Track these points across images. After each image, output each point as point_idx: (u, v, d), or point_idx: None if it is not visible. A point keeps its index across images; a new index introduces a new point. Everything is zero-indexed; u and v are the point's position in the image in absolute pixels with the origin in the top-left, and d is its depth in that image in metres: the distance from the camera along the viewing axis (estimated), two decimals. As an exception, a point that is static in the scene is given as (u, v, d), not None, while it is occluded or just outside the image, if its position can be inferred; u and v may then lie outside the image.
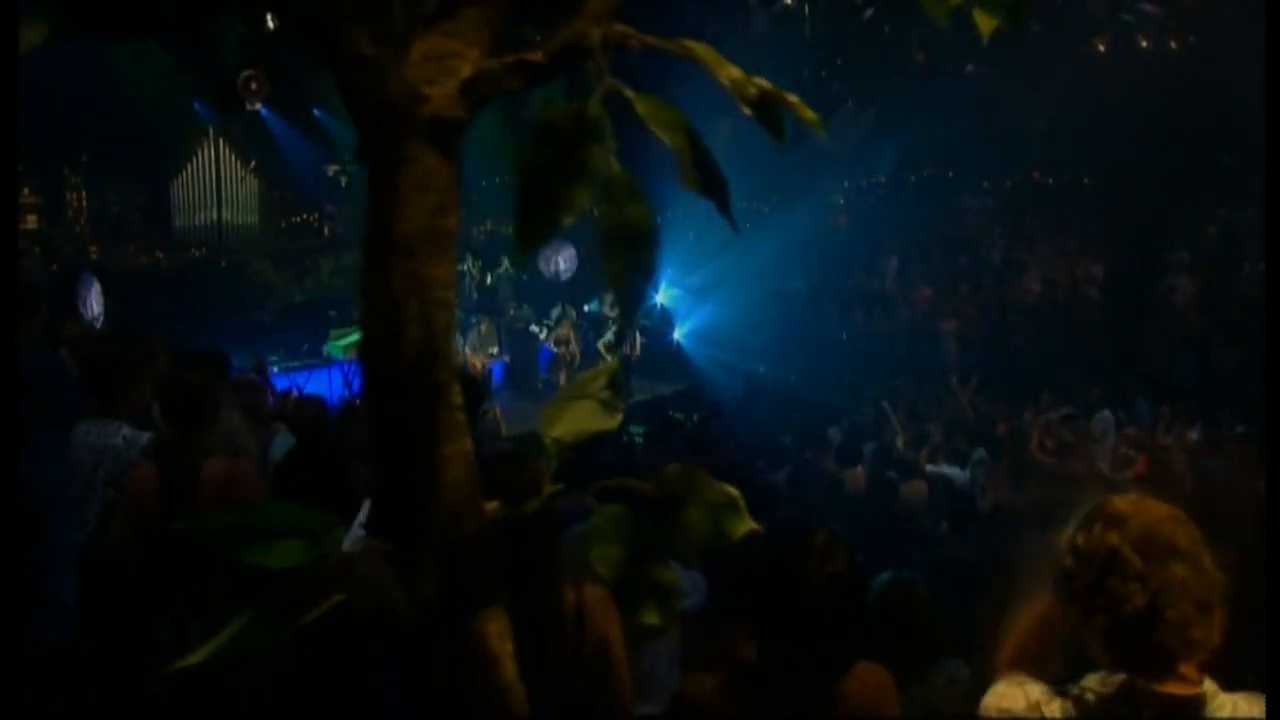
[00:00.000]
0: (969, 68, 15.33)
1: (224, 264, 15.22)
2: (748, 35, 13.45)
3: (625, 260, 0.64)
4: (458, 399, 0.69)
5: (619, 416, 0.78)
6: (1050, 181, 17.03)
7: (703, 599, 3.39)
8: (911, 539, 6.37)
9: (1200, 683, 1.47)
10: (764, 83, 0.67)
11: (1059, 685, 1.59)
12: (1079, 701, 1.53)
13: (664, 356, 15.34)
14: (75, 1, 0.64)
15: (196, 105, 14.93)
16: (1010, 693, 1.60)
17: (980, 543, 5.93)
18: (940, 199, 17.25)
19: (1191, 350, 9.87)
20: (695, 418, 11.74)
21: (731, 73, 0.68)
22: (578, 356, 13.42)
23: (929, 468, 8.13)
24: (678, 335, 16.11)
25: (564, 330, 13.69)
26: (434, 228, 0.68)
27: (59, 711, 4.36)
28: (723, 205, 0.69)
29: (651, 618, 0.72)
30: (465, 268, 15.26)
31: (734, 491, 0.80)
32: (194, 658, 0.67)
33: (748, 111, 0.67)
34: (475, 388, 4.06)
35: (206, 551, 0.73)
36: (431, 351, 0.67)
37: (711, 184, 0.67)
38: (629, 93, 0.64)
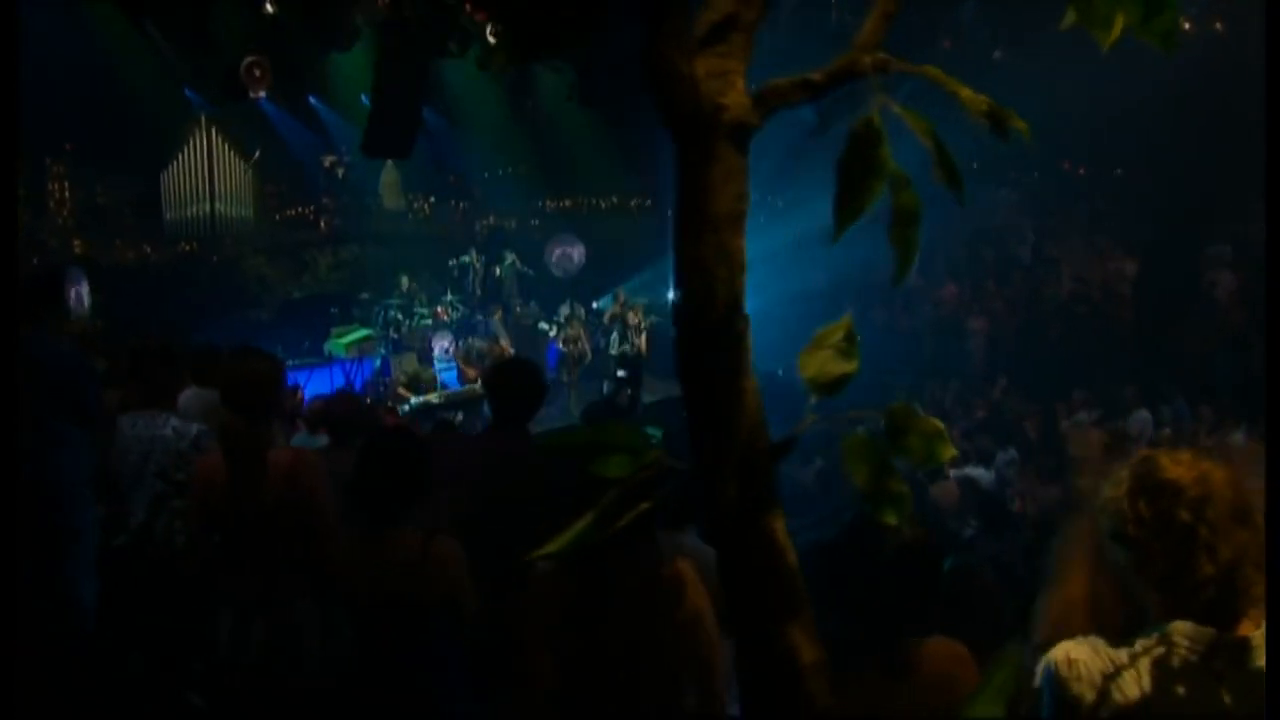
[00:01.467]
0: (996, 54, 15.59)
1: (217, 259, 15.48)
2: (773, 21, 13.71)
3: (904, 234, 0.90)
4: (749, 342, 0.95)
5: (855, 362, 1.04)
6: (1081, 172, 17.23)
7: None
8: (942, 541, 6.60)
9: (1259, 623, 1.58)
10: (989, 100, 0.92)
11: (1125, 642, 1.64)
12: (1157, 657, 1.59)
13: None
14: None
15: (187, 93, 15.15)
16: (1078, 649, 1.65)
17: (1014, 544, 6.17)
18: (966, 190, 17.47)
19: (1234, 348, 10.10)
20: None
21: (962, 91, 0.93)
22: (587, 355, 13.63)
23: (951, 471, 8.30)
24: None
25: (573, 329, 13.91)
26: (735, 209, 0.94)
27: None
28: (959, 198, 0.95)
29: (890, 518, 0.97)
30: (468, 262, 15.50)
31: (940, 424, 1.06)
32: (550, 547, 0.91)
33: (981, 122, 0.92)
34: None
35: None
36: (735, 305, 0.93)
37: (953, 179, 0.92)
38: (896, 107, 0.90)
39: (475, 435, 4.71)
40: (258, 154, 15.01)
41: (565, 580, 2.57)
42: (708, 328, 0.92)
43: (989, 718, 0.88)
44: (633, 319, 13.09)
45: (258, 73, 10.52)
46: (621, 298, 13.77)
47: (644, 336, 13.16)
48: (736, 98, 0.95)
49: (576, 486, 2.30)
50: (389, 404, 10.06)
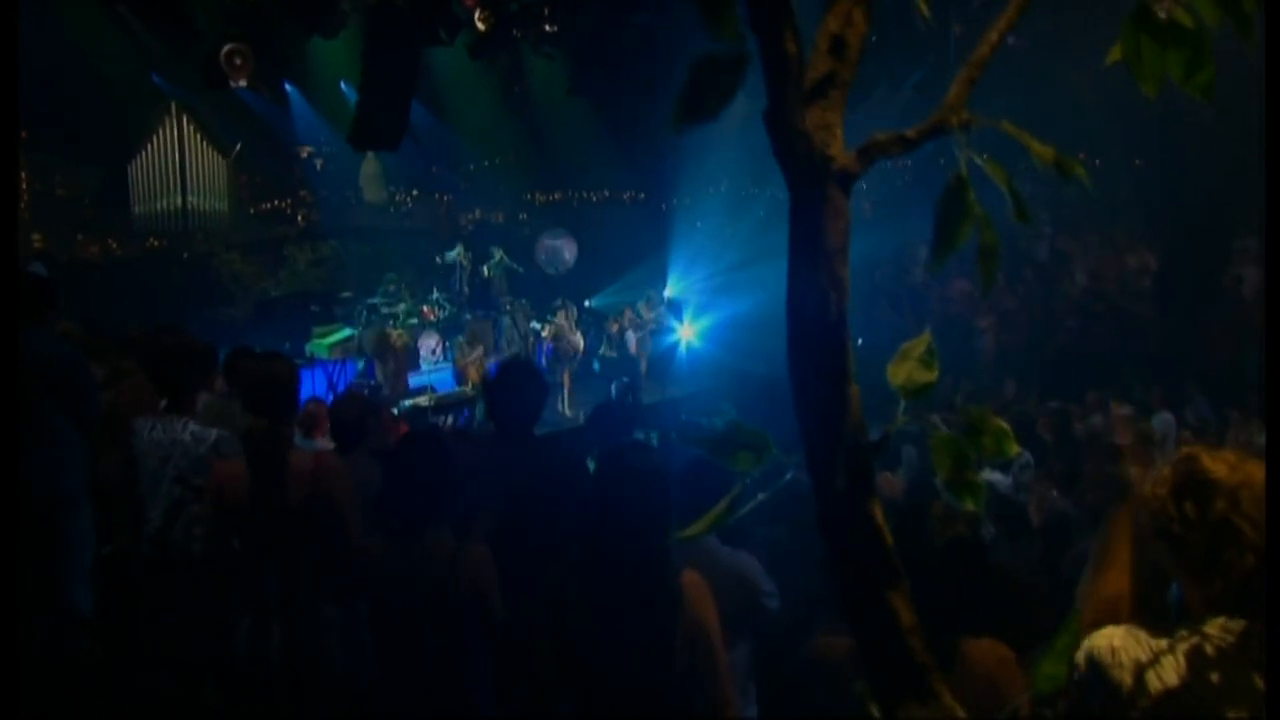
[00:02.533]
0: (1010, 40, 15.87)
1: (187, 255, 15.59)
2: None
3: (987, 267, 1.16)
4: (852, 355, 1.21)
5: (936, 372, 1.30)
6: (1098, 163, 17.54)
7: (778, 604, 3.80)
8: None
9: None
10: (1055, 150, 1.18)
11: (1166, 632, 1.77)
12: (1195, 646, 1.73)
13: (672, 358, 15.73)
14: None
15: (155, 78, 15.24)
16: (1119, 636, 1.78)
17: (1031, 549, 6.44)
18: (976, 183, 17.75)
19: (1261, 347, 10.30)
20: (716, 420, 12.29)
21: (1032, 143, 1.19)
22: (580, 351, 13.88)
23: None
24: (688, 335, 16.45)
25: (561, 320, 14.14)
26: (842, 243, 1.20)
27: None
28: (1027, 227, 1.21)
29: (970, 504, 1.24)
30: (455, 258, 15.69)
31: (1006, 425, 1.32)
32: (689, 531, 1.17)
33: (1049, 171, 1.18)
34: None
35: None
36: (842, 322, 1.19)
37: (1025, 216, 1.18)
38: (979, 160, 1.16)
39: (484, 441, 4.92)
40: (239, 147, 15.12)
41: (578, 584, 2.79)
42: (819, 343, 1.18)
43: (1054, 676, 1.13)
44: (645, 314, 13.43)
45: (239, 61, 10.67)
46: (648, 300, 14.16)
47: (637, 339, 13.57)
48: (840, 148, 1.21)
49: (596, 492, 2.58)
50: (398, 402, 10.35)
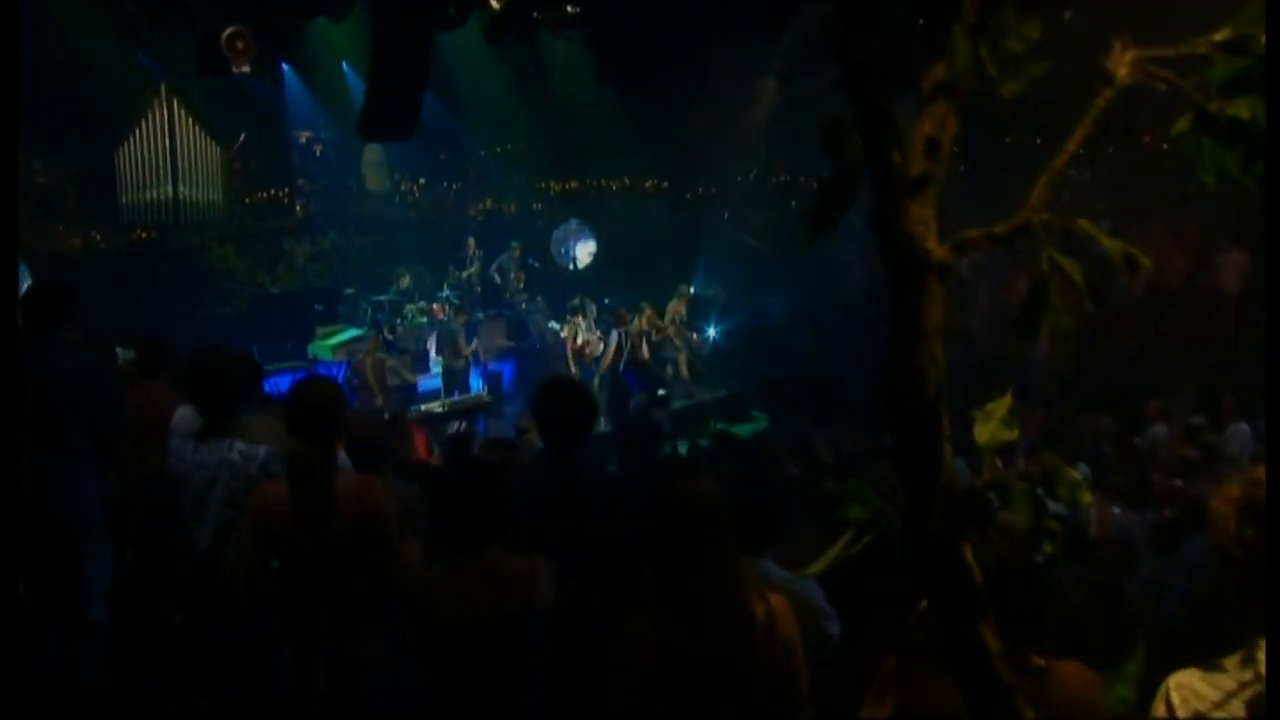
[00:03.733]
0: (1066, 14, 16.12)
1: (177, 248, 15.68)
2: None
3: (1063, 350, 1.52)
4: (945, 420, 1.57)
5: (1016, 431, 1.66)
6: (1165, 146, 17.63)
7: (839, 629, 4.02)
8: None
9: None
10: (1124, 244, 1.54)
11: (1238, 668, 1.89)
12: (1254, 677, 1.86)
13: (701, 357, 16.00)
14: None
15: (142, 57, 15.43)
16: (1191, 681, 1.92)
17: (1092, 569, 6.73)
18: (1027, 168, 17.77)
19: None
20: (753, 431, 12.68)
21: (1103, 238, 1.55)
22: (608, 354, 14.21)
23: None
24: (714, 334, 16.73)
25: (578, 321, 14.46)
26: (939, 326, 1.56)
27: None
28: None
29: (1048, 547, 1.60)
30: (466, 254, 16.02)
31: (1079, 475, 1.69)
32: (814, 567, 1.53)
33: (1116, 258, 1.54)
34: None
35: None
36: (939, 394, 1.55)
37: (1097, 303, 1.54)
38: (1058, 256, 1.51)
39: (533, 460, 5.28)
40: (243, 137, 15.42)
41: (658, 618, 3.02)
42: (920, 411, 1.54)
43: (1125, 699, 1.49)
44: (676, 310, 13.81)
45: (240, 45, 11.02)
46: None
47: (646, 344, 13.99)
48: (936, 242, 1.57)
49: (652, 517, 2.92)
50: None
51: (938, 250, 1.55)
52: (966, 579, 1.55)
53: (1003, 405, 1.67)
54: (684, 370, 14.74)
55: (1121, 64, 1.60)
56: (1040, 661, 2.64)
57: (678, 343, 14.72)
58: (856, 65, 1.53)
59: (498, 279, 15.91)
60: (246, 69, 11.31)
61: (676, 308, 14.75)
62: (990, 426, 1.64)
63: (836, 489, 1.55)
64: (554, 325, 15.05)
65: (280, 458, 4.54)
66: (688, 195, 19.38)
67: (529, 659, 3.87)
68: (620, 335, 14.08)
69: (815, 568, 1.56)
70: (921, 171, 1.60)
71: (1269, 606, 1.75)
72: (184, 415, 5.62)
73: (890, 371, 1.56)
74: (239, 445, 4.68)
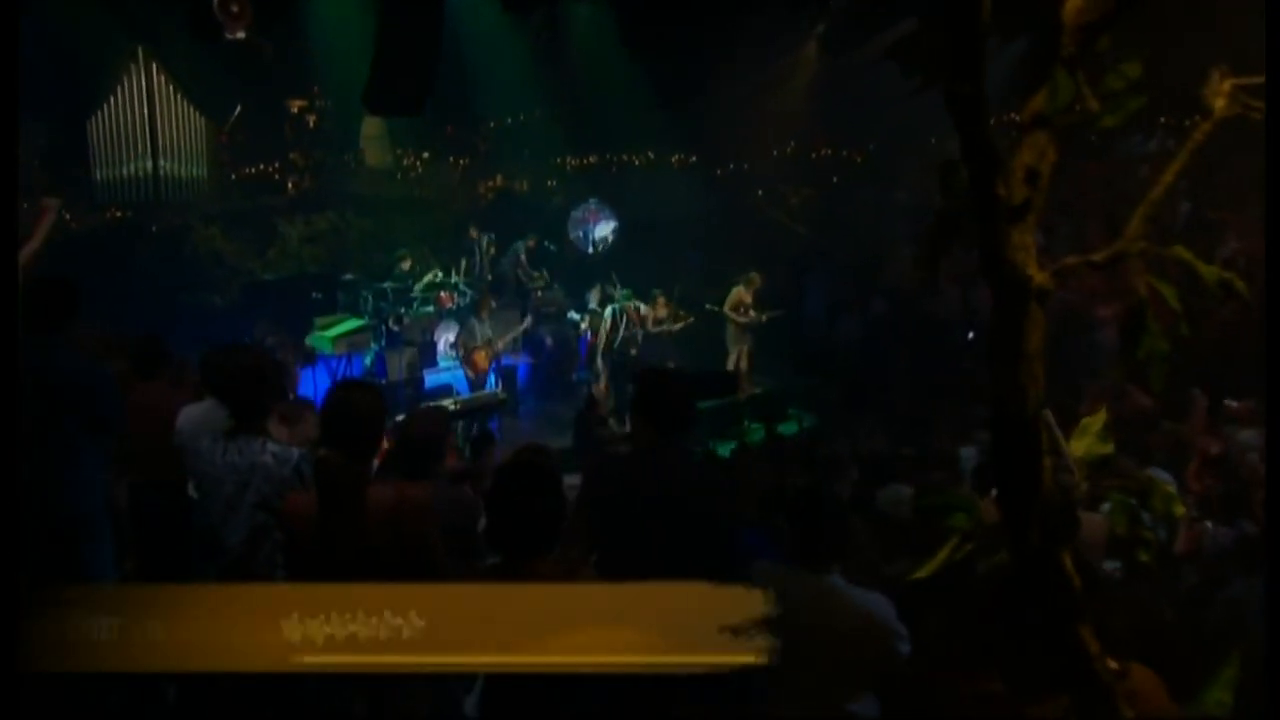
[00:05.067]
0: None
1: (157, 228, 15.84)
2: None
3: (1157, 370, 1.83)
4: (1043, 435, 1.88)
5: (1111, 445, 1.97)
6: (1259, 116, 17.47)
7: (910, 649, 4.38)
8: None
9: None
10: (1219, 270, 1.85)
11: None
12: None
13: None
14: None
15: (118, 19, 15.56)
16: None
17: (1180, 581, 6.93)
18: (1099, 143, 17.80)
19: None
20: (797, 429, 12.97)
21: (1199, 265, 1.85)
22: (603, 333, 14.44)
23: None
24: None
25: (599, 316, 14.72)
26: (1039, 347, 1.86)
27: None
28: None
29: (1144, 556, 1.91)
30: (477, 237, 16.22)
31: (1171, 488, 2.00)
32: (921, 572, 1.85)
33: (1215, 290, 1.84)
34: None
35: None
36: (1038, 409, 1.86)
37: (1193, 329, 1.85)
38: (1156, 282, 1.81)
39: (632, 454, 5.46)
40: (238, 110, 15.56)
41: None
42: (1020, 428, 1.85)
43: (1223, 703, 1.78)
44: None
45: (235, 8, 11.26)
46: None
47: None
48: (1036, 268, 1.88)
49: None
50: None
51: (1038, 276, 1.86)
52: (1064, 584, 1.86)
53: (1099, 420, 1.98)
54: (744, 364, 14.96)
55: (1220, 95, 1.89)
56: (1115, 664, 2.93)
57: (740, 334, 14.94)
58: (965, 101, 1.83)
59: (521, 278, 16.03)
60: (241, 35, 11.53)
61: (742, 296, 14.90)
62: (1086, 440, 1.95)
63: (940, 500, 1.86)
64: (574, 316, 15.24)
65: (312, 461, 4.77)
66: (718, 172, 19.56)
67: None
68: (616, 312, 14.31)
69: (922, 572, 1.87)
70: (1023, 200, 1.91)
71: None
72: (192, 415, 5.96)
73: (992, 390, 1.86)
74: (271, 446, 4.88)
